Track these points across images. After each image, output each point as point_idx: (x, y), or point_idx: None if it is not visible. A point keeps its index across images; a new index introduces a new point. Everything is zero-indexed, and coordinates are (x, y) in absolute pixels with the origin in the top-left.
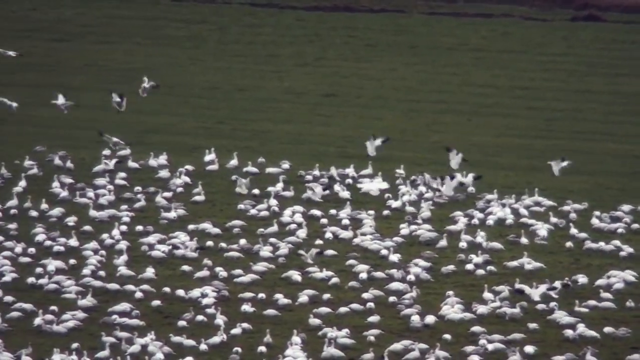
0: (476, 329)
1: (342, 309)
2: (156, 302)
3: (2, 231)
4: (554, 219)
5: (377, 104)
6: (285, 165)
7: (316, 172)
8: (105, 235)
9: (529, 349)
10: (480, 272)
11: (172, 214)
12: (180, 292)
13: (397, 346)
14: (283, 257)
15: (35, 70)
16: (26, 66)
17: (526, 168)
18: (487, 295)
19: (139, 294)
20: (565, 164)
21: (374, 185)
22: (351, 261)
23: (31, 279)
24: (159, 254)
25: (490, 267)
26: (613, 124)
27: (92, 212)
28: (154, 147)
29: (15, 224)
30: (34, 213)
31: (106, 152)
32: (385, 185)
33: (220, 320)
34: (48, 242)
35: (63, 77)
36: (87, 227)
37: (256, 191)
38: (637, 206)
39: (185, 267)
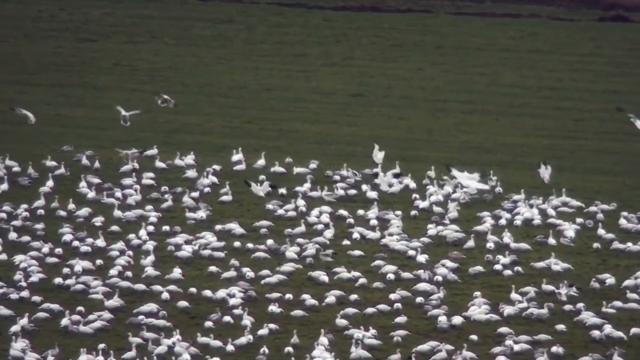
0: (503, 329)
1: (369, 310)
2: (183, 303)
3: (29, 231)
4: (581, 220)
5: (404, 103)
6: (313, 165)
7: (344, 172)
8: (132, 236)
9: (556, 349)
10: (508, 272)
11: (199, 214)
12: (207, 293)
13: (424, 347)
14: (310, 257)
15: (61, 70)
16: (52, 66)
17: (554, 168)
18: (514, 295)
19: (165, 295)
20: (548, 169)
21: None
22: (378, 262)
23: (58, 280)
24: (186, 254)
25: (517, 268)
26: None
27: (117, 212)
28: (181, 147)
29: (42, 224)
30: (61, 213)
31: (132, 151)
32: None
33: (247, 320)
34: (75, 243)
35: (89, 77)
36: (115, 227)
37: (284, 191)
38: None
39: (213, 268)
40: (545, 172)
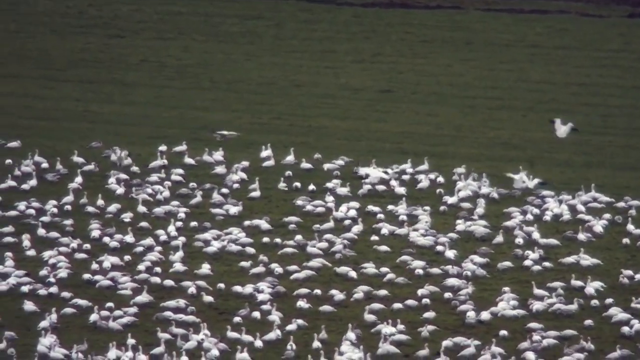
0: (532, 325)
1: (397, 305)
2: (209, 298)
3: (58, 227)
4: (609, 215)
5: (433, 100)
6: (340, 161)
7: (371, 169)
8: (161, 232)
9: (586, 345)
10: (537, 268)
11: (231, 210)
12: (236, 288)
13: (449, 343)
14: (339, 253)
15: (89, 66)
16: (81, 62)
17: (582, 164)
18: (537, 291)
19: (194, 290)
20: (567, 125)
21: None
22: (404, 257)
23: (87, 275)
24: (214, 250)
25: (546, 264)
26: None
27: (140, 208)
28: (209, 143)
29: (71, 220)
30: (90, 209)
31: (162, 147)
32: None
33: (275, 316)
34: (104, 239)
35: (118, 73)
36: (144, 224)
37: (312, 187)
38: None
39: (243, 263)
40: (561, 126)
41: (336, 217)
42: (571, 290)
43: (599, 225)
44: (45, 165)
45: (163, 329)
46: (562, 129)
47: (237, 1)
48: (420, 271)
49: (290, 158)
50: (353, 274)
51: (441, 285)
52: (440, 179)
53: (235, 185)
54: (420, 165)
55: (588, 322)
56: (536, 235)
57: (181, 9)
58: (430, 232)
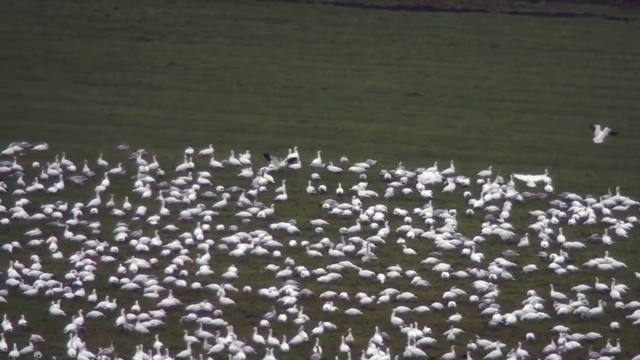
0: (558, 328)
1: (424, 308)
2: (226, 300)
3: (85, 230)
4: (635, 218)
5: (460, 103)
6: (365, 164)
7: (399, 171)
8: (187, 234)
9: (611, 347)
10: (562, 271)
11: (260, 213)
12: (263, 291)
13: (474, 345)
14: (365, 256)
15: (116, 70)
16: (107, 65)
17: (608, 167)
18: (554, 294)
19: (221, 293)
20: (605, 130)
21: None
22: (429, 259)
23: (113, 278)
24: (241, 252)
25: (571, 266)
26: None
27: (163, 210)
28: (236, 146)
29: (97, 223)
30: (116, 212)
31: (189, 150)
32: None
33: (302, 319)
34: (131, 241)
35: (144, 76)
36: (170, 226)
37: (340, 190)
38: None
39: (270, 266)
40: (599, 132)
41: (362, 220)
42: (596, 293)
43: (621, 228)
44: (72, 167)
45: (190, 331)
46: (599, 135)
47: (264, 4)
48: (447, 274)
49: (317, 161)
50: (380, 276)
51: (467, 288)
52: (460, 180)
53: (262, 188)
54: (446, 169)
55: (614, 324)
56: (561, 238)
57: (208, 12)
58: (456, 235)
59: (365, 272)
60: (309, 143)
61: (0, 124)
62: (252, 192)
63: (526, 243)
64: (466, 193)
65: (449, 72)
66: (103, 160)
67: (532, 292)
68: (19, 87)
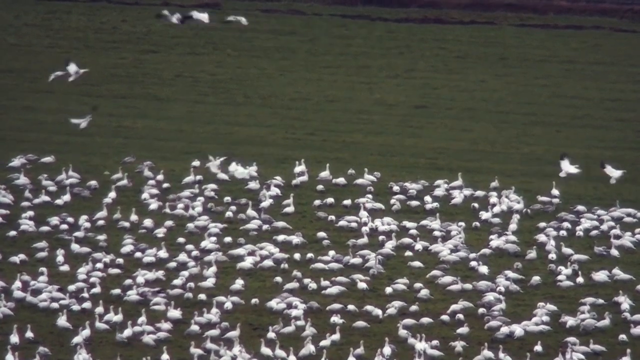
0: (567, 339)
1: (431, 320)
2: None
3: (91, 242)
4: None
5: (467, 115)
6: (372, 177)
7: (407, 184)
8: (194, 247)
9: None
10: (569, 283)
11: (265, 227)
12: (270, 304)
13: (484, 356)
14: (372, 268)
15: (123, 82)
16: (114, 77)
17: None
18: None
19: (228, 305)
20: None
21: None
22: (434, 272)
23: (120, 291)
24: (248, 265)
25: (579, 279)
26: None
27: (167, 223)
28: (243, 159)
29: (104, 235)
30: (124, 224)
31: (195, 163)
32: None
33: (309, 331)
34: (137, 254)
35: (151, 88)
36: (180, 239)
37: (347, 202)
38: None
39: (277, 279)
40: (614, 172)
41: (370, 232)
42: (604, 306)
43: (627, 241)
44: (75, 180)
45: (197, 344)
46: (614, 174)
47: (272, 16)
48: (455, 286)
49: (325, 173)
50: (387, 289)
51: (475, 301)
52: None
53: (269, 201)
54: (454, 181)
55: (621, 337)
56: (569, 250)
57: (215, 24)
58: (461, 247)
59: (361, 285)
60: (316, 156)
61: (9, 136)
62: (264, 204)
63: (534, 256)
64: (473, 205)
65: (457, 85)
66: (107, 172)
67: (541, 304)
68: (27, 100)
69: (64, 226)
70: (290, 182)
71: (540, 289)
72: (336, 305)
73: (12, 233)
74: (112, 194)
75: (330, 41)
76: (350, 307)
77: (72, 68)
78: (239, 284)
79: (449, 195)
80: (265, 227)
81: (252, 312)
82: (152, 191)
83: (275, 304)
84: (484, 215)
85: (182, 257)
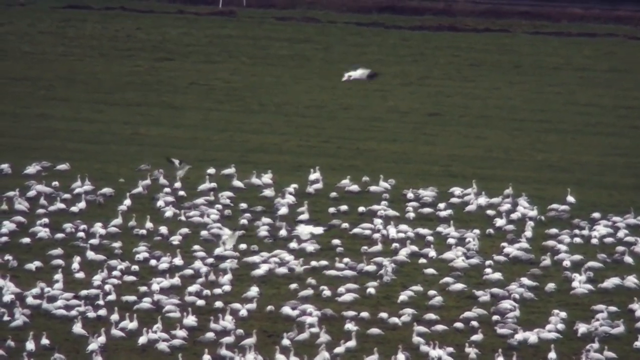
0: (578, 346)
1: (445, 328)
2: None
3: (107, 250)
4: None
5: (481, 123)
6: (386, 184)
7: (421, 191)
8: (205, 254)
9: None
10: (583, 291)
11: (280, 233)
12: (285, 311)
13: None
14: (386, 276)
15: (138, 90)
16: (129, 85)
17: (630, 187)
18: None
19: (243, 313)
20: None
21: (306, 230)
22: (447, 279)
23: (135, 298)
24: (263, 272)
25: (593, 286)
26: None
27: (183, 230)
28: (258, 166)
29: (119, 243)
30: (139, 232)
31: (211, 170)
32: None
33: (323, 338)
34: (153, 261)
35: (166, 96)
36: (195, 246)
37: (362, 209)
38: None
39: (292, 286)
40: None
41: (384, 239)
42: (618, 313)
43: (638, 247)
44: (88, 187)
45: (210, 351)
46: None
47: (286, 24)
48: (466, 291)
49: (345, 181)
50: (401, 296)
51: (489, 308)
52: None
53: (284, 209)
54: (469, 188)
55: (636, 344)
56: (583, 257)
57: (230, 32)
58: (472, 254)
59: (387, 292)
60: (330, 163)
61: (23, 144)
62: (281, 212)
63: (548, 263)
64: (488, 212)
65: (471, 92)
66: (122, 179)
67: (555, 311)
68: (42, 108)
69: (80, 234)
70: (305, 190)
71: (554, 296)
72: (350, 313)
73: (27, 240)
74: (127, 202)
75: (345, 49)
76: (364, 314)
77: (179, 165)
78: (254, 291)
79: (463, 203)
80: (282, 232)
81: (266, 319)
82: (168, 199)
83: (290, 309)
84: (498, 222)
85: (197, 264)
